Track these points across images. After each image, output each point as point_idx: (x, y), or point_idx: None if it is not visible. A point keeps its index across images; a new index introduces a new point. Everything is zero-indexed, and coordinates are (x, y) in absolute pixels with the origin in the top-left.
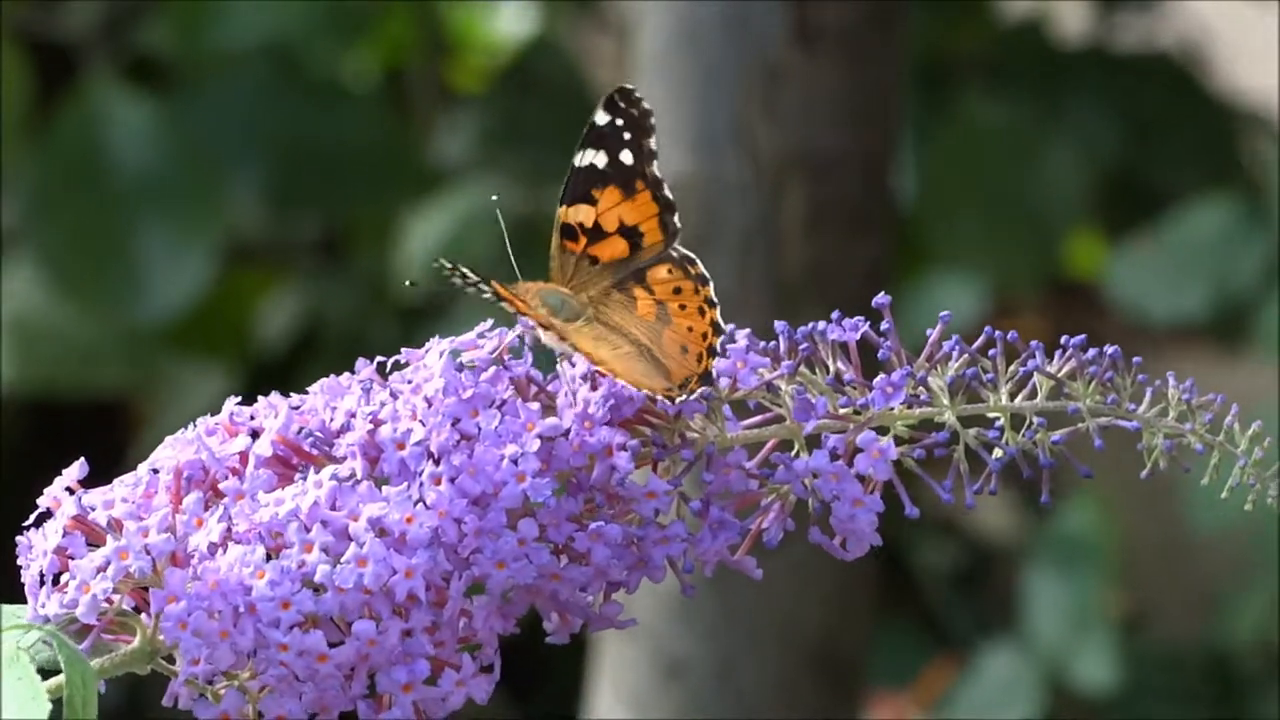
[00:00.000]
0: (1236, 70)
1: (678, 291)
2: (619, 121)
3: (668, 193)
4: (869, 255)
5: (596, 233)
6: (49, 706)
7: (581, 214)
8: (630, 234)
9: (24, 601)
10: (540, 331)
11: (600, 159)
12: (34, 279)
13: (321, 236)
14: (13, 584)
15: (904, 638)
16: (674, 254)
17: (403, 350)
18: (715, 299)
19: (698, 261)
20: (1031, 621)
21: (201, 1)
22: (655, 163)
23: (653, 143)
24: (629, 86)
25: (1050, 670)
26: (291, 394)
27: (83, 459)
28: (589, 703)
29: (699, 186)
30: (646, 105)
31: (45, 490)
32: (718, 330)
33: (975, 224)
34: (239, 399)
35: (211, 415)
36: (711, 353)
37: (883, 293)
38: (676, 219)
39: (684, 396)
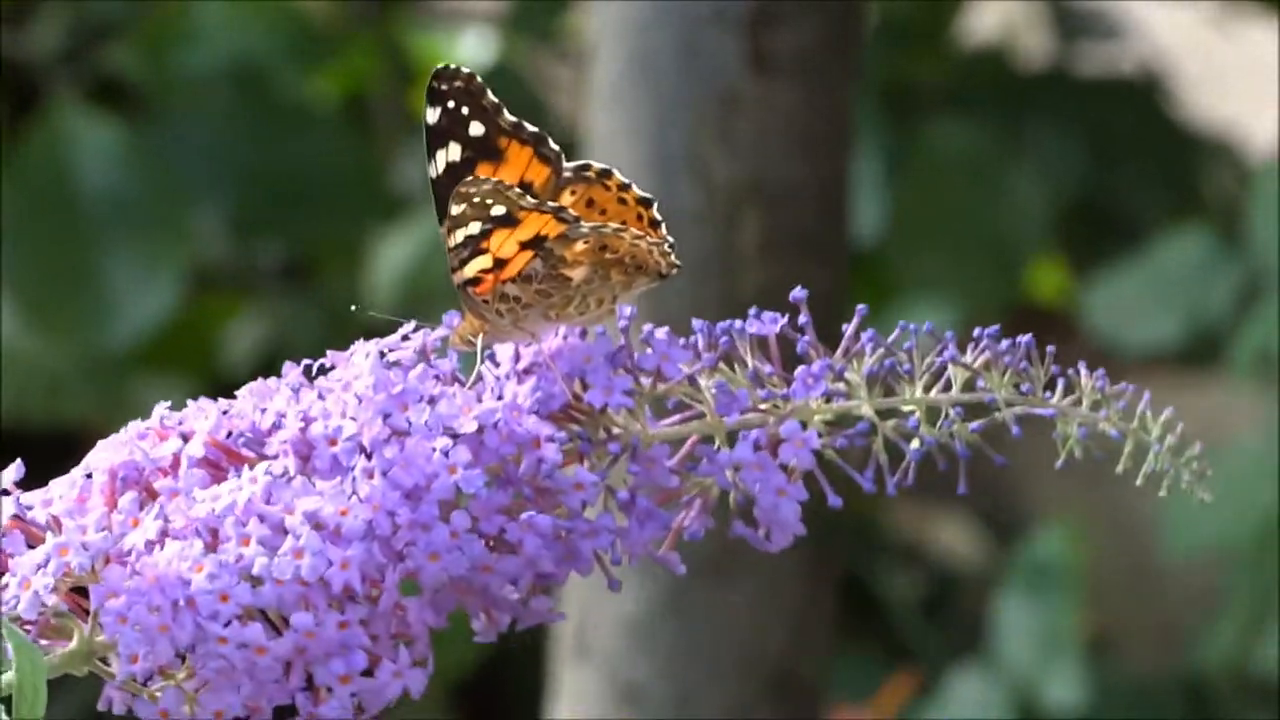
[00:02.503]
0: (1199, 96)
1: (590, 204)
2: (450, 104)
3: (532, 127)
4: (824, 283)
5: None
6: None
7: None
8: None
9: None
10: (480, 324)
11: (454, 151)
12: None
13: (286, 261)
14: None
15: (870, 665)
16: (567, 174)
17: (328, 353)
18: (626, 180)
19: (591, 162)
20: (1000, 646)
21: (167, 25)
22: (505, 112)
23: (492, 96)
24: (439, 66)
25: (1019, 693)
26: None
27: (19, 460)
28: None
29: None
30: (465, 69)
31: None
32: (647, 202)
33: (941, 251)
34: (168, 405)
35: (143, 421)
36: (655, 224)
37: (799, 287)
38: (552, 143)
39: (674, 261)
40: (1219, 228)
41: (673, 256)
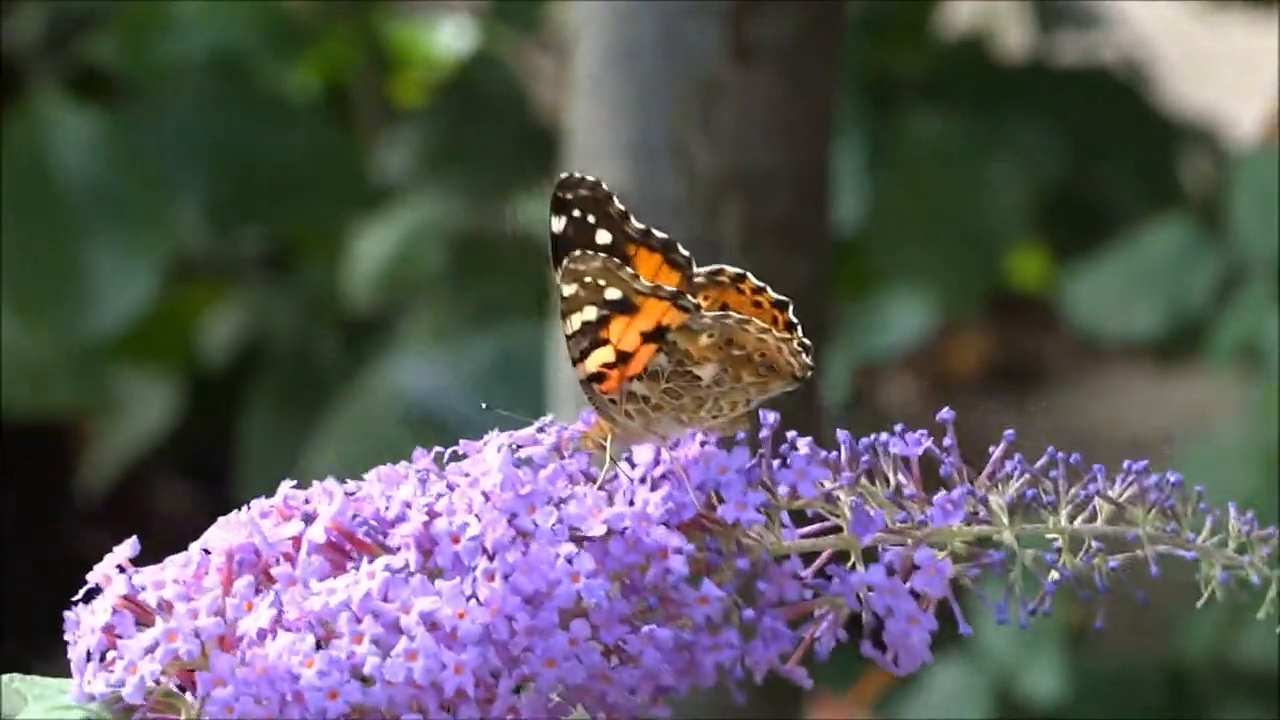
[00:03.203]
0: (1178, 85)
1: (724, 309)
2: (576, 213)
3: (660, 233)
4: (806, 271)
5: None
6: None
7: (601, 357)
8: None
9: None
10: (610, 426)
11: (590, 313)
12: None
13: (266, 251)
14: None
15: (850, 655)
16: (699, 280)
17: (460, 442)
18: (760, 283)
19: (724, 267)
20: (981, 634)
21: (147, 15)
22: (632, 217)
23: (619, 203)
24: (564, 175)
25: (998, 683)
26: (347, 480)
27: (134, 538)
28: None
29: (636, 203)
30: (590, 177)
31: (95, 567)
32: (782, 305)
33: (920, 242)
34: (294, 484)
35: (266, 498)
36: (791, 327)
37: (946, 409)
38: (682, 249)
39: (808, 363)
40: (1199, 217)
41: (805, 357)
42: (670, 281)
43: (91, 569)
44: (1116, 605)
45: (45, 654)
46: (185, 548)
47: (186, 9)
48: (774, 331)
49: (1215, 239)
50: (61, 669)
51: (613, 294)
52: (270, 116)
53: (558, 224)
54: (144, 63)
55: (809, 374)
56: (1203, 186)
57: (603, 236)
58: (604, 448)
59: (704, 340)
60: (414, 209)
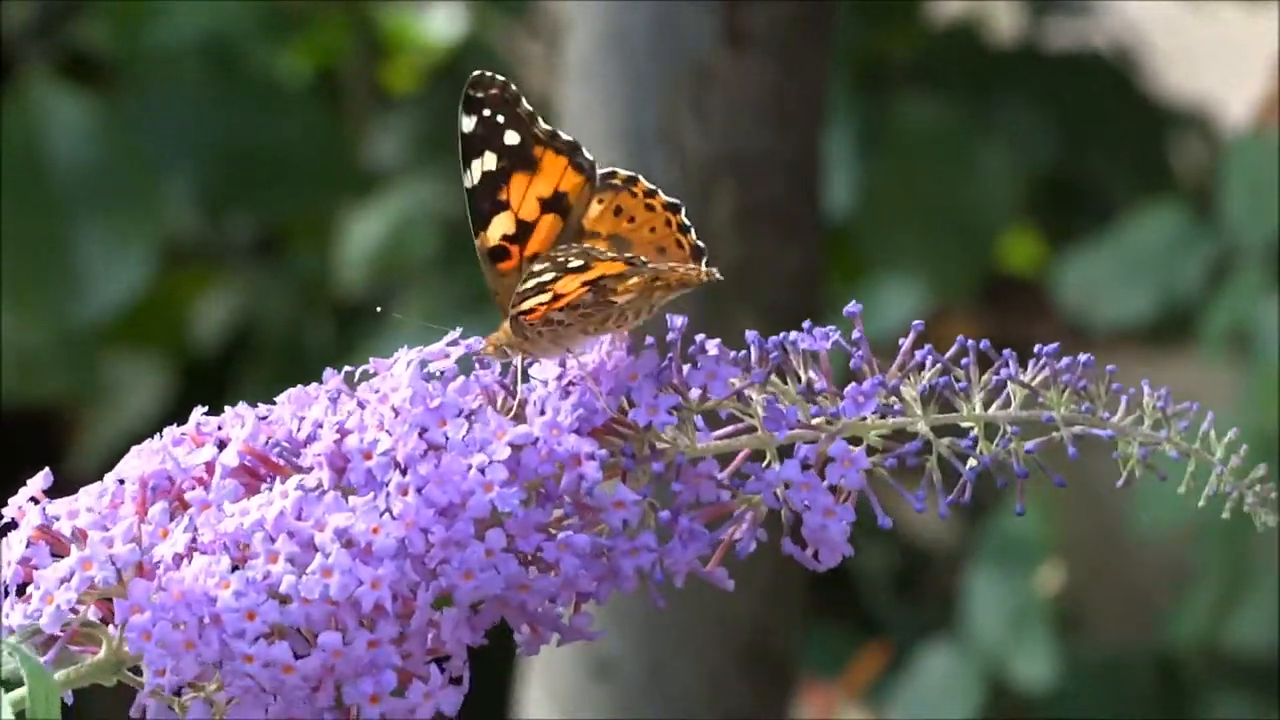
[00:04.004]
0: (1169, 72)
1: (618, 212)
2: (486, 112)
3: (567, 136)
4: (796, 257)
5: (523, 231)
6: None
7: (502, 225)
8: (555, 203)
9: None
10: (518, 340)
11: (490, 161)
12: None
13: (258, 236)
14: None
15: (841, 640)
16: (598, 185)
17: (371, 360)
18: (652, 186)
19: (617, 170)
20: (971, 621)
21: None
22: (540, 120)
23: (527, 104)
24: (476, 74)
25: (989, 669)
26: (259, 404)
27: (47, 469)
28: (519, 701)
29: None
30: (500, 77)
31: (9, 501)
32: (674, 208)
33: (911, 228)
34: (205, 410)
35: (178, 425)
36: (684, 229)
37: (854, 301)
38: (586, 152)
39: (707, 272)
40: (1191, 203)
41: (716, 272)
42: (573, 183)
43: None
44: (1107, 593)
45: None
46: None
47: None
48: (699, 268)
49: (1207, 225)
50: None
51: (511, 138)
52: (262, 102)
53: (468, 123)
54: (136, 47)
55: (716, 279)
56: (1194, 172)
57: (511, 137)
58: (507, 354)
59: (633, 280)
60: (405, 194)
